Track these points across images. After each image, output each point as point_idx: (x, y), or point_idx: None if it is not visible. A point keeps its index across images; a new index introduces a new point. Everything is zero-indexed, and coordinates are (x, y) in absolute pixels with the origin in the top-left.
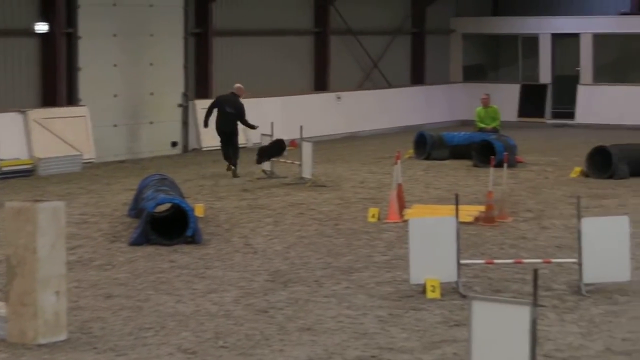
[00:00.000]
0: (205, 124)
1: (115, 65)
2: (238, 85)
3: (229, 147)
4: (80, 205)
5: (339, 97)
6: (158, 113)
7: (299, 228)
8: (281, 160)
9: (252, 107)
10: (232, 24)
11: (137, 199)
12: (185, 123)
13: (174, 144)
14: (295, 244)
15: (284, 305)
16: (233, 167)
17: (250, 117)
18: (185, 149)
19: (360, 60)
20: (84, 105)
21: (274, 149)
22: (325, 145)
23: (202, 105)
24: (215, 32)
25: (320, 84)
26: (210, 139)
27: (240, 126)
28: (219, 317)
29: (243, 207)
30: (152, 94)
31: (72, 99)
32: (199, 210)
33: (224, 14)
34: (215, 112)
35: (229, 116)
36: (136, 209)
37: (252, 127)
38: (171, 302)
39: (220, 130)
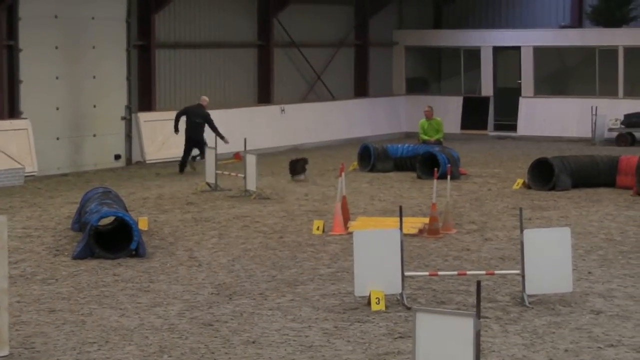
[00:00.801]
0: (176, 130)
1: (57, 78)
2: (203, 97)
3: (189, 155)
4: (22, 219)
5: (282, 110)
6: (101, 126)
7: (244, 241)
8: (225, 173)
9: None
10: (175, 36)
11: (81, 212)
12: (128, 136)
13: (117, 157)
14: (240, 256)
15: (228, 318)
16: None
17: None
18: (129, 161)
19: (303, 73)
20: (25, 118)
21: (300, 165)
22: (270, 158)
23: (145, 118)
24: (158, 44)
25: (264, 97)
26: (154, 151)
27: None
28: (163, 330)
29: (187, 220)
30: (95, 106)
31: (13, 112)
32: (142, 223)
33: (166, 26)
34: (184, 121)
35: (198, 125)
36: (79, 223)
37: (222, 137)
38: (115, 316)
39: (190, 138)
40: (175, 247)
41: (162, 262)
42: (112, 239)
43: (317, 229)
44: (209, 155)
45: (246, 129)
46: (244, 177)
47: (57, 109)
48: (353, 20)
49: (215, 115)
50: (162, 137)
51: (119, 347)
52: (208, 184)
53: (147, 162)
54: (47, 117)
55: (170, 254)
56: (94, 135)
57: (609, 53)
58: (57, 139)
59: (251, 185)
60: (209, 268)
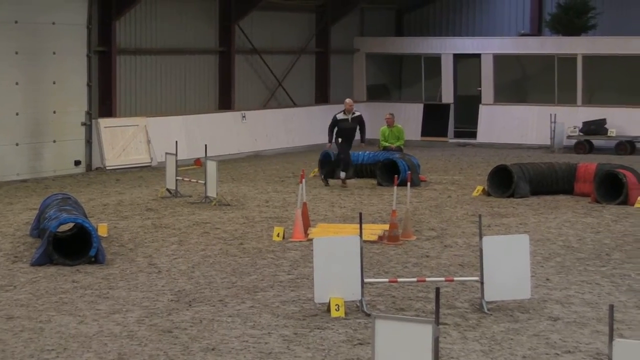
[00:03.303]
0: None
1: (17, 84)
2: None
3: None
4: None
5: (243, 116)
6: (61, 132)
7: (204, 247)
8: (185, 179)
9: (157, 126)
10: (136, 43)
11: (40, 218)
12: (88, 142)
13: (77, 163)
14: (199, 263)
15: (188, 325)
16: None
17: (154, 136)
18: (89, 168)
19: (265, 79)
20: None
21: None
22: (230, 164)
23: (105, 124)
24: (118, 50)
25: (225, 103)
26: (114, 158)
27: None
28: (122, 337)
29: (147, 227)
30: (55, 112)
31: None
32: (102, 229)
33: (127, 32)
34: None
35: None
36: (38, 229)
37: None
38: (74, 323)
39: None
40: (135, 254)
41: (122, 269)
42: (71, 246)
43: (278, 235)
44: (169, 161)
45: (207, 135)
46: (205, 184)
47: (17, 114)
48: (314, 27)
49: (176, 121)
50: (122, 143)
51: (77, 354)
52: (168, 190)
53: (107, 168)
54: (7, 123)
55: (129, 260)
56: (54, 141)
57: (568, 61)
58: (17, 144)
59: (211, 192)
60: (168, 275)
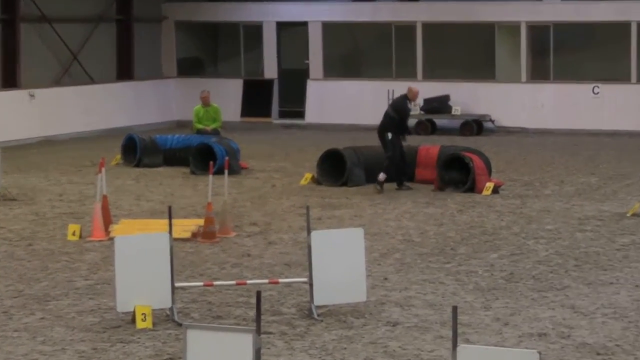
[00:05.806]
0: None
1: None
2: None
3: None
4: None
5: (31, 95)
6: None
7: None
8: None
9: None
10: None
11: None
12: None
13: None
14: None
15: None
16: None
17: None
18: None
19: (57, 52)
20: None
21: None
22: (16, 152)
23: None
24: None
25: (9, 80)
26: None
27: None
28: None
29: None
30: None
31: None
32: None
33: None
34: None
35: (385, 119)
36: None
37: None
38: None
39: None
40: None
41: None
42: None
43: (73, 234)
44: None
45: None
46: None
47: None
48: None
49: None
50: None
51: None
52: None
53: None
54: None
55: None
56: None
57: (406, 30)
58: None
59: None
60: None
